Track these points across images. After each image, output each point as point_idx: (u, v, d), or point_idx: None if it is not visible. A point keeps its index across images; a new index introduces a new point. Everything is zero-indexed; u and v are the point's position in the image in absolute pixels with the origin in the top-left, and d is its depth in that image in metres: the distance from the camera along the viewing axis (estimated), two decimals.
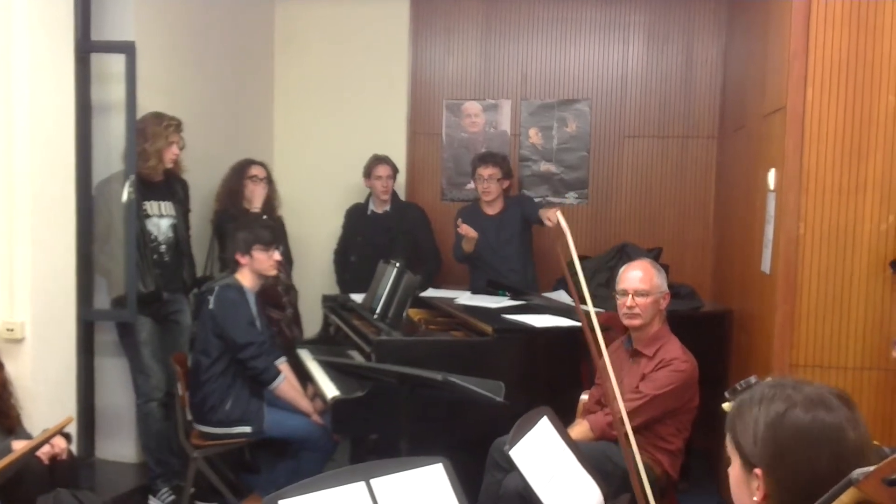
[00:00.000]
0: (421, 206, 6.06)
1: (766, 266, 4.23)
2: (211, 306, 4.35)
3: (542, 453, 2.81)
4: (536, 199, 6.06)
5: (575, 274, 3.71)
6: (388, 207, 5.86)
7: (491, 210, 5.67)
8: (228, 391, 4.31)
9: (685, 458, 3.92)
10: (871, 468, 1.50)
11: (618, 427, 3.30)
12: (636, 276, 3.80)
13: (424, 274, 5.69)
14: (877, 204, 3.84)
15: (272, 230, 4.68)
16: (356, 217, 5.96)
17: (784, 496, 1.68)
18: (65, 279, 4.29)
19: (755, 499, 1.72)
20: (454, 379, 3.35)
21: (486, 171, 5.60)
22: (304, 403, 4.42)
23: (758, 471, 1.71)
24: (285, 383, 4.39)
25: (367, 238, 5.82)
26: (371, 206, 5.91)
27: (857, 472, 1.51)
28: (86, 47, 4.57)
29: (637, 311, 3.75)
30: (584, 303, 3.73)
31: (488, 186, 5.60)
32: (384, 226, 5.82)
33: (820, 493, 1.59)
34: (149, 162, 4.67)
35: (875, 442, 2.47)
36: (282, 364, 4.55)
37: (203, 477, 4.38)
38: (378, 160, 5.81)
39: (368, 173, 5.80)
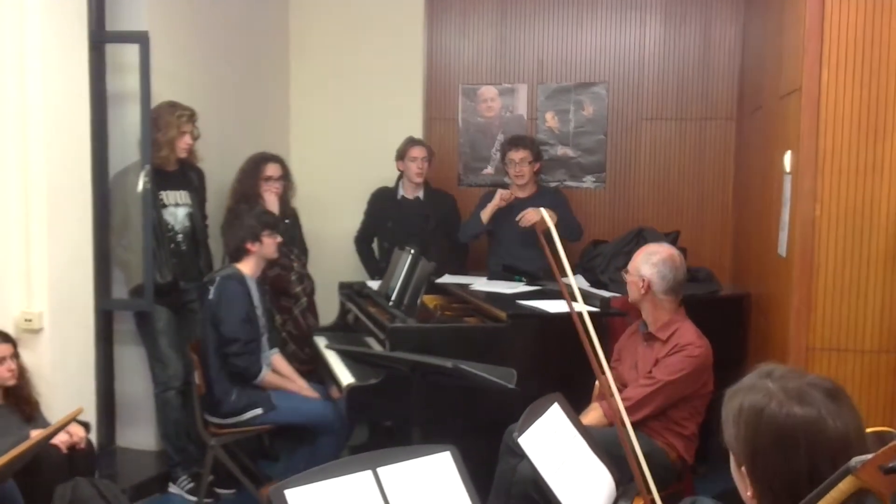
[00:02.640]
0: (451, 194, 6.00)
1: (782, 249, 4.19)
2: (211, 296, 4.39)
3: (552, 440, 2.80)
4: (553, 184, 6.04)
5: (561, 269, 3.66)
6: (419, 193, 5.76)
7: (522, 193, 5.62)
8: (232, 383, 4.34)
9: (702, 441, 3.91)
10: (869, 456, 1.49)
11: (615, 418, 3.29)
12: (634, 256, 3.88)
13: (458, 262, 5.69)
14: (894, 185, 3.78)
15: (273, 214, 4.78)
16: (384, 202, 5.84)
17: (767, 495, 1.67)
18: (82, 269, 4.33)
19: (749, 494, 1.72)
20: (465, 366, 3.35)
21: (517, 155, 5.57)
22: (293, 386, 4.49)
23: (743, 469, 1.70)
24: (269, 375, 4.44)
25: (398, 224, 5.73)
26: (401, 191, 5.80)
27: (856, 460, 1.50)
28: (100, 37, 4.59)
29: (627, 288, 3.86)
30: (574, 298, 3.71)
31: (521, 170, 5.57)
32: (419, 212, 5.72)
33: (804, 490, 1.58)
34: (161, 151, 4.70)
35: (887, 429, 2.46)
36: (275, 356, 4.62)
37: (222, 464, 4.41)
38: (413, 141, 5.73)
39: (402, 155, 5.68)
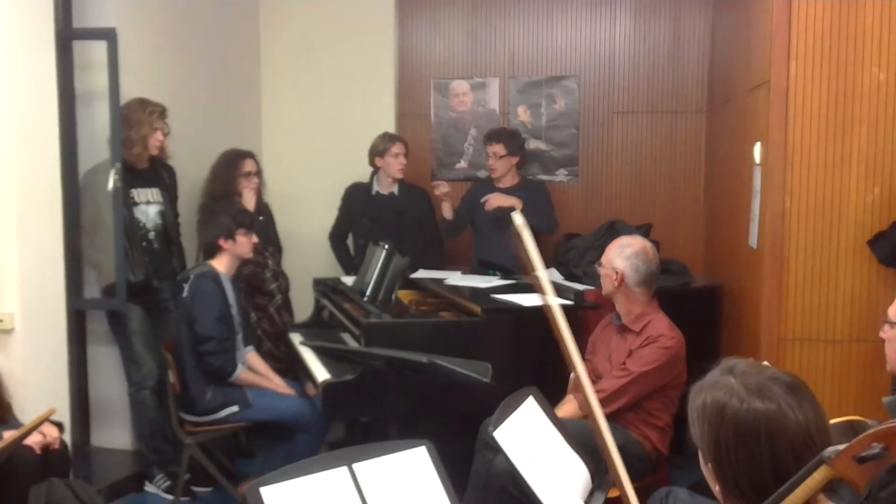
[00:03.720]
0: (426, 190, 6.00)
1: (753, 241, 4.23)
2: (185, 294, 4.37)
3: (527, 434, 2.82)
4: (527, 177, 6.05)
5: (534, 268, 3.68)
6: (394, 189, 5.74)
7: (501, 185, 5.67)
8: (208, 381, 4.33)
9: (678, 432, 3.93)
10: (843, 446, 1.51)
11: (587, 410, 3.30)
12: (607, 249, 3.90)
13: (433, 257, 5.70)
14: (862, 177, 3.84)
15: (250, 213, 4.73)
16: (359, 197, 5.81)
17: (733, 490, 1.69)
18: (53, 269, 4.30)
19: (716, 489, 1.74)
20: (440, 361, 3.36)
21: (490, 149, 5.63)
22: (269, 384, 4.49)
23: (709, 465, 1.72)
24: (244, 373, 4.44)
25: (373, 219, 5.71)
26: (375, 187, 5.78)
27: (830, 451, 1.52)
28: (67, 35, 4.53)
29: (601, 281, 3.88)
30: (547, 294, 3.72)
31: (493, 164, 5.63)
32: (394, 208, 5.71)
33: (769, 484, 1.60)
34: (133, 149, 4.66)
35: (858, 417, 2.49)
36: (249, 353, 4.62)
37: (198, 463, 4.40)
38: (392, 138, 5.70)
39: (383, 152, 5.65)
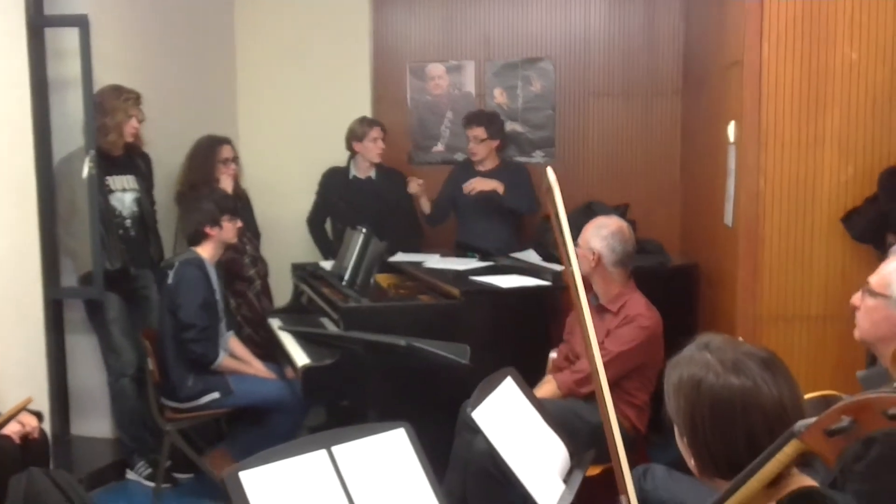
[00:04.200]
0: (403, 173, 5.97)
1: (728, 220, 4.26)
2: (170, 281, 4.36)
3: (506, 414, 2.84)
4: (507, 159, 6.05)
5: (560, 226, 3.71)
6: (371, 173, 5.73)
7: (482, 168, 5.68)
8: (189, 368, 4.32)
9: (655, 411, 3.97)
10: (813, 420, 1.53)
11: (595, 380, 3.33)
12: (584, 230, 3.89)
13: (412, 241, 5.70)
14: (835, 156, 3.88)
15: (233, 198, 4.71)
16: (336, 182, 5.80)
17: (708, 464, 1.71)
18: (29, 258, 4.28)
19: (692, 463, 1.76)
20: (418, 344, 3.38)
21: (470, 133, 5.63)
22: (250, 369, 4.50)
23: (684, 439, 1.74)
24: (226, 360, 4.44)
25: (350, 204, 5.69)
26: (353, 171, 5.76)
27: (800, 424, 1.54)
28: (39, 22, 4.49)
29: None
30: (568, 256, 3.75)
31: (474, 147, 5.62)
32: (372, 192, 5.69)
33: (743, 459, 1.62)
34: (108, 136, 4.64)
35: (833, 392, 2.52)
36: (231, 338, 4.62)
37: (179, 450, 4.40)
38: (370, 122, 5.68)
39: (361, 137, 5.62)
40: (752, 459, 1.59)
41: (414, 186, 5.63)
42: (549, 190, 2.78)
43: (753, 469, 1.58)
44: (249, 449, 4.03)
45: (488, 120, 5.67)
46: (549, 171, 2.81)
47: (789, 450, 1.55)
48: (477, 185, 5.46)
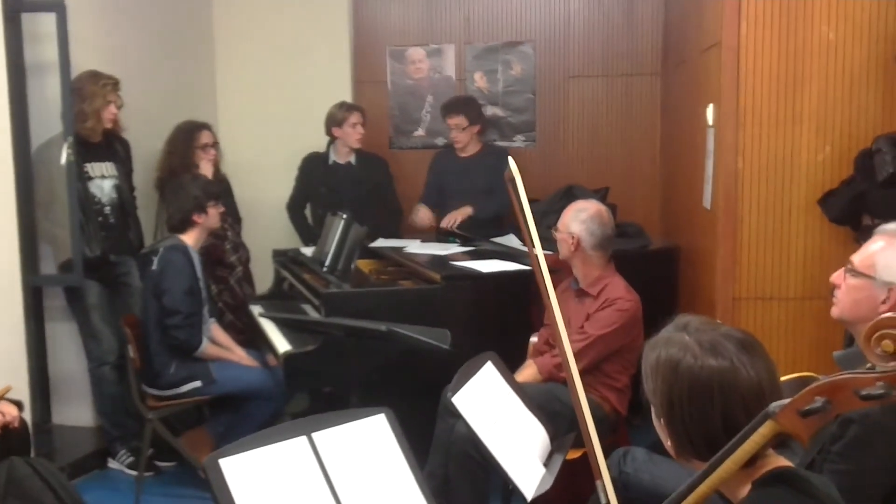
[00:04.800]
0: (384, 158, 5.97)
1: (707, 201, 4.27)
2: (154, 267, 4.34)
3: (486, 398, 2.85)
4: (489, 143, 6.03)
5: (524, 215, 3.73)
6: (351, 158, 5.70)
7: (464, 153, 5.70)
8: (172, 354, 4.31)
9: (635, 393, 3.99)
10: (787, 401, 1.54)
11: (565, 368, 3.35)
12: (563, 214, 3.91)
13: (392, 226, 5.69)
14: (813, 135, 3.89)
15: (216, 184, 4.71)
16: (315, 168, 5.78)
17: (686, 445, 1.72)
18: (7, 245, 4.25)
19: (668, 444, 1.77)
20: (399, 329, 3.38)
21: (451, 122, 5.62)
22: (232, 356, 4.50)
23: (661, 420, 1.75)
24: (209, 347, 4.42)
25: (331, 189, 5.68)
26: (332, 157, 5.74)
27: (775, 405, 1.55)
28: (15, 7, 4.45)
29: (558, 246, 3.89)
30: (534, 244, 3.76)
31: (456, 136, 5.63)
32: (352, 177, 5.67)
33: (720, 440, 1.63)
34: (87, 122, 4.60)
35: (810, 373, 2.53)
36: (213, 325, 4.61)
37: (161, 437, 4.39)
38: (350, 107, 5.64)
39: (341, 122, 5.58)
40: (729, 440, 1.60)
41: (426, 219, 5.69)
42: (512, 180, 2.80)
43: (730, 450, 1.59)
44: (229, 436, 4.06)
45: (467, 105, 5.66)
46: (511, 161, 2.82)
47: (765, 430, 1.56)
48: (451, 219, 5.51)
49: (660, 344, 1.76)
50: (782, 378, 1.83)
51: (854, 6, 3.82)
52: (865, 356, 2.40)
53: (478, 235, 5.23)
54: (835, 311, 2.57)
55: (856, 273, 2.48)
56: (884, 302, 2.41)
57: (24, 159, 4.48)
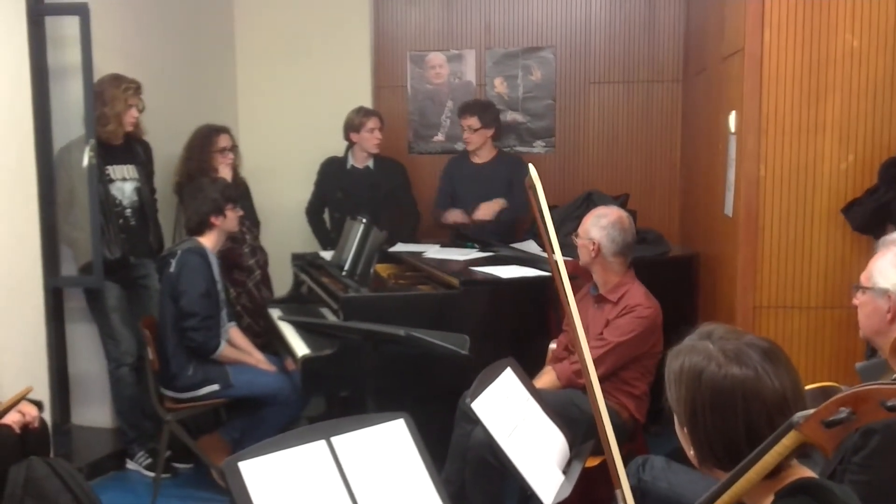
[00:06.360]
0: (401, 162, 5.97)
1: (728, 209, 4.25)
2: (172, 269, 4.35)
3: (505, 405, 2.84)
4: (504, 149, 6.03)
5: (544, 222, 3.72)
6: (369, 163, 5.70)
7: (477, 159, 5.69)
8: (189, 357, 4.32)
9: (654, 401, 3.97)
10: (811, 411, 1.53)
11: (585, 375, 3.34)
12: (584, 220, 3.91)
13: (408, 230, 5.69)
14: (836, 144, 3.87)
15: (235, 187, 4.74)
16: (334, 172, 5.79)
17: (708, 454, 1.71)
18: (29, 247, 4.27)
19: (691, 453, 1.76)
20: (418, 334, 3.37)
21: (464, 122, 5.62)
22: (250, 360, 4.49)
23: (684, 429, 1.74)
24: (226, 349, 4.42)
25: (349, 194, 5.68)
26: (351, 161, 5.74)
27: (798, 416, 1.54)
28: (38, 10, 4.48)
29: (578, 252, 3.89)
30: (553, 250, 3.76)
31: (468, 137, 5.62)
32: (369, 181, 5.68)
33: (743, 449, 1.62)
34: (108, 126, 4.63)
35: (832, 383, 2.52)
36: (232, 328, 4.61)
37: (179, 439, 4.40)
38: (367, 112, 5.65)
39: (359, 127, 5.59)
40: (752, 450, 1.59)
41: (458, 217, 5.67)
42: (532, 187, 2.80)
43: (752, 460, 1.58)
44: (245, 441, 4.07)
45: (482, 108, 5.65)
46: (531, 168, 2.82)
47: (788, 441, 1.55)
48: (482, 213, 5.49)
49: (683, 352, 1.75)
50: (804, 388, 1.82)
51: (878, 14, 3.80)
52: (891, 367, 2.39)
53: (497, 241, 5.22)
54: (861, 333, 2.60)
55: (862, 289, 2.52)
56: (889, 311, 2.42)
57: (47, 162, 4.51)
